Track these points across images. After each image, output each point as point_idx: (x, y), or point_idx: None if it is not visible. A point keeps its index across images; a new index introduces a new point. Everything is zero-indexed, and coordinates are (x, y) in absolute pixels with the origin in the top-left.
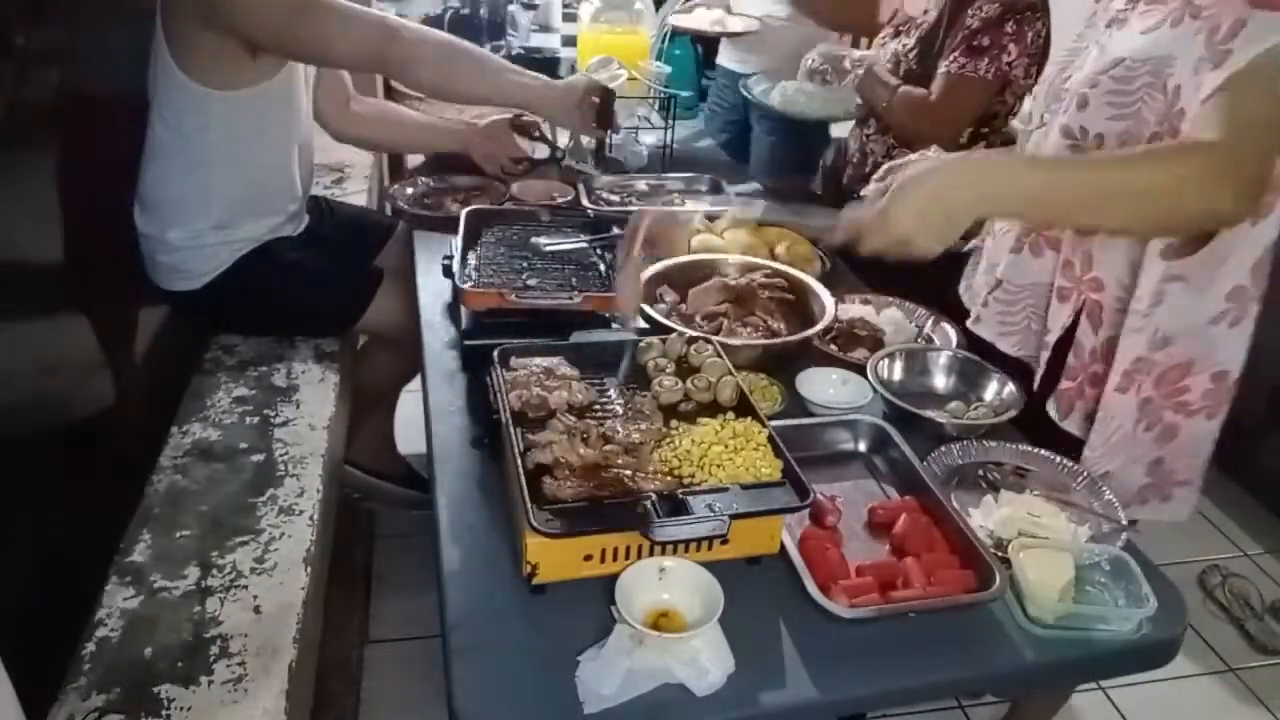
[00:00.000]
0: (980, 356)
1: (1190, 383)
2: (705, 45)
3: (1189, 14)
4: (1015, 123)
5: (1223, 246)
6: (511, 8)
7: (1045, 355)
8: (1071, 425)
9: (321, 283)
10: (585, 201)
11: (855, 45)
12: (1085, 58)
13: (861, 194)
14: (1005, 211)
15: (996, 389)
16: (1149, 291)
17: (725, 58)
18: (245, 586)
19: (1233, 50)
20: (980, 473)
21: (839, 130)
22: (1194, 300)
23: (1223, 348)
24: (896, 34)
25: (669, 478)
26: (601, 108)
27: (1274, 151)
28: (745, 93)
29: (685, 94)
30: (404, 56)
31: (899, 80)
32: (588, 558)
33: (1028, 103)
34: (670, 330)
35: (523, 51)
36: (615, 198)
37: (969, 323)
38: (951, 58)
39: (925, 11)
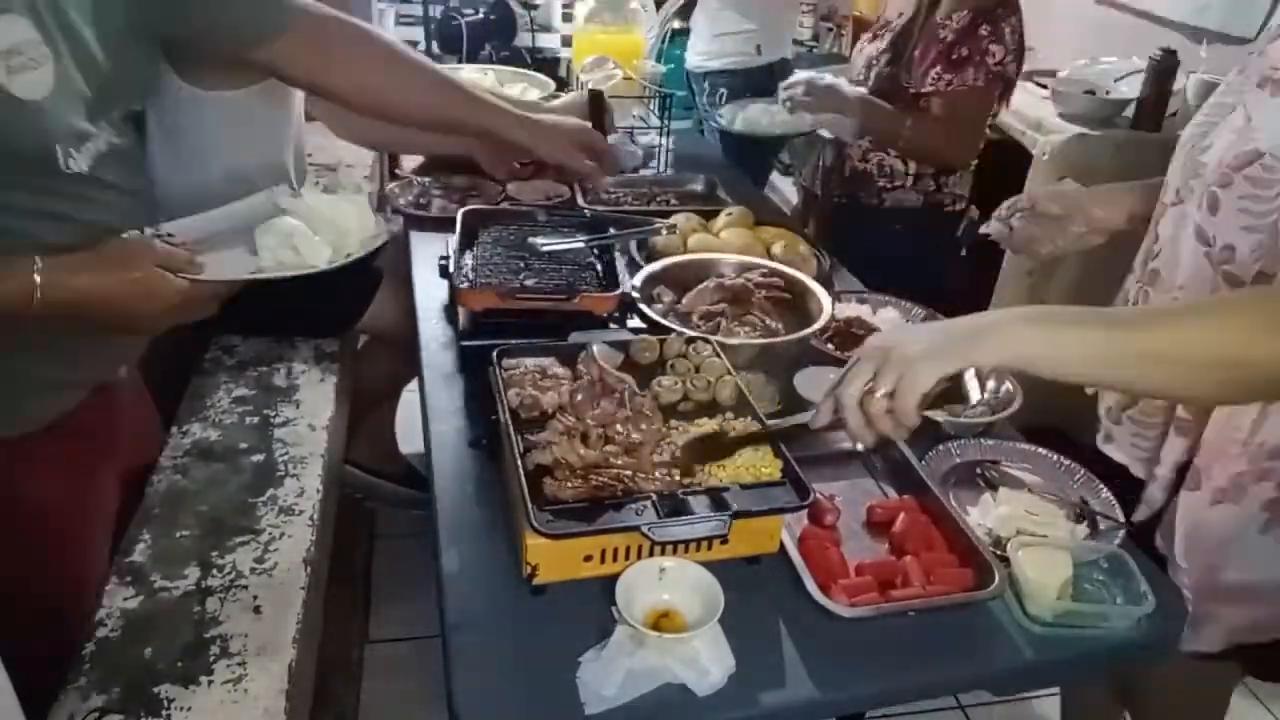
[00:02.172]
0: (1101, 478)
1: None
2: None
3: None
4: (1011, 119)
5: None
6: (514, 8)
7: (1155, 493)
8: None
9: (321, 283)
10: (581, 201)
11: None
12: (1228, 124)
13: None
14: (1019, 366)
15: (994, 387)
16: (1249, 420)
17: None
18: (245, 586)
19: None
20: (978, 471)
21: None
22: None
23: None
24: (874, 38)
25: (669, 478)
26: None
27: None
28: (714, 123)
29: (681, 93)
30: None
31: (893, 110)
32: (588, 558)
33: (1016, 99)
34: (668, 330)
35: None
36: (611, 197)
37: (1099, 441)
38: (934, 73)
39: (900, 15)
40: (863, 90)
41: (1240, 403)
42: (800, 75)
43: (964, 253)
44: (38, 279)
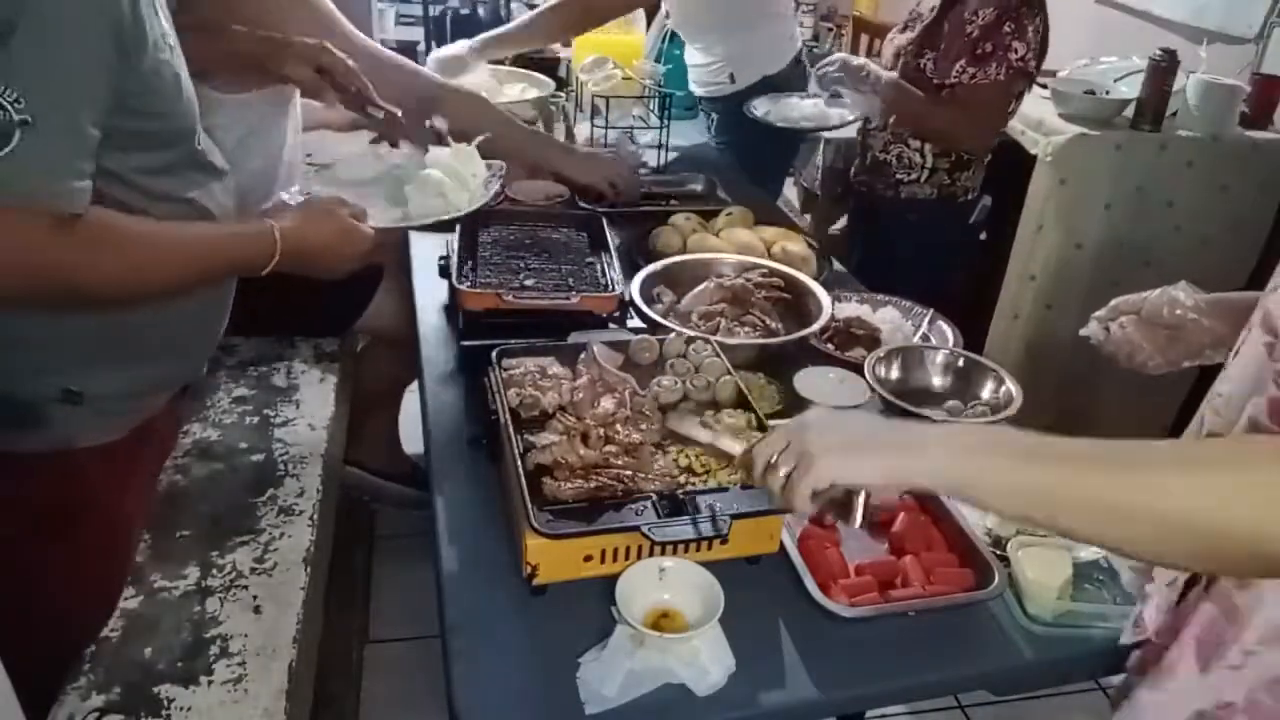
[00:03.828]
0: None
1: None
2: None
3: None
4: (1012, 119)
5: None
6: (514, 6)
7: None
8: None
9: (320, 283)
10: (580, 201)
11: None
12: None
13: None
14: (948, 493)
15: (993, 387)
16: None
17: None
18: (245, 586)
19: None
20: None
21: (833, 133)
22: None
23: None
24: (904, 29)
25: (669, 478)
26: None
27: None
28: (749, 114)
29: (681, 93)
30: None
31: (921, 95)
32: (588, 558)
33: (1027, 102)
34: (668, 330)
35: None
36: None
37: None
38: (959, 66)
39: (931, 9)
40: (893, 74)
41: (1220, 574)
42: (836, 55)
43: (983, 237)
44: (276, 234)
